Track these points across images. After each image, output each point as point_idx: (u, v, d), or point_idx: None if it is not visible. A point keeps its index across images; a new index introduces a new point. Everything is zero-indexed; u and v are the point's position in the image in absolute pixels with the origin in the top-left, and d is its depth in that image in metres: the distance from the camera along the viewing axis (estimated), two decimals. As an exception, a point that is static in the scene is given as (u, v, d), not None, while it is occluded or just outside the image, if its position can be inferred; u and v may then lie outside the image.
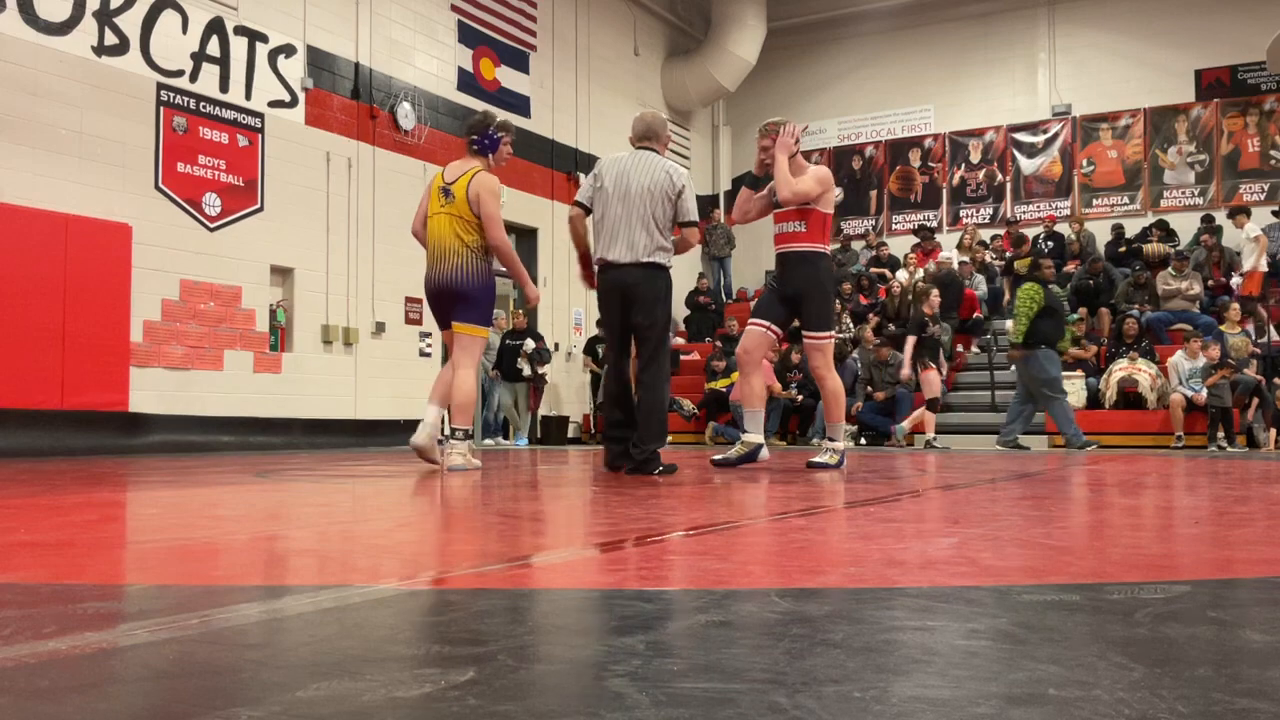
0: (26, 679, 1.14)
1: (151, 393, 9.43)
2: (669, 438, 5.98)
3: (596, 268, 5.57)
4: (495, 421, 13.12)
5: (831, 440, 5.91)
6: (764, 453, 5.89)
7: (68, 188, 8.90)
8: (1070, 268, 14.81)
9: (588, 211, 5.57)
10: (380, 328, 11.86)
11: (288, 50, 10.94)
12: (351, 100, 11.68)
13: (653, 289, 5.41)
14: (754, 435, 5.83)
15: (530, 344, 13.04)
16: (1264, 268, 13.37)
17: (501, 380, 12.99)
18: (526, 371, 12.91)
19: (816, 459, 5.89)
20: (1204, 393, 11.34)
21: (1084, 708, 0.99)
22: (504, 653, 1.24)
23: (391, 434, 11.67)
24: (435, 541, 2.65)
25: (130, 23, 9.49)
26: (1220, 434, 11.08)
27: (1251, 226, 13.55)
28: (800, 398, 13.31)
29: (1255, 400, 11.48)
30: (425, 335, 12.40)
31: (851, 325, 14.54)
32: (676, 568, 2.12)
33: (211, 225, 10.10)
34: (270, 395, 10.55)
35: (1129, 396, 12.08)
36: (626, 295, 5.44)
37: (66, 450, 8.34)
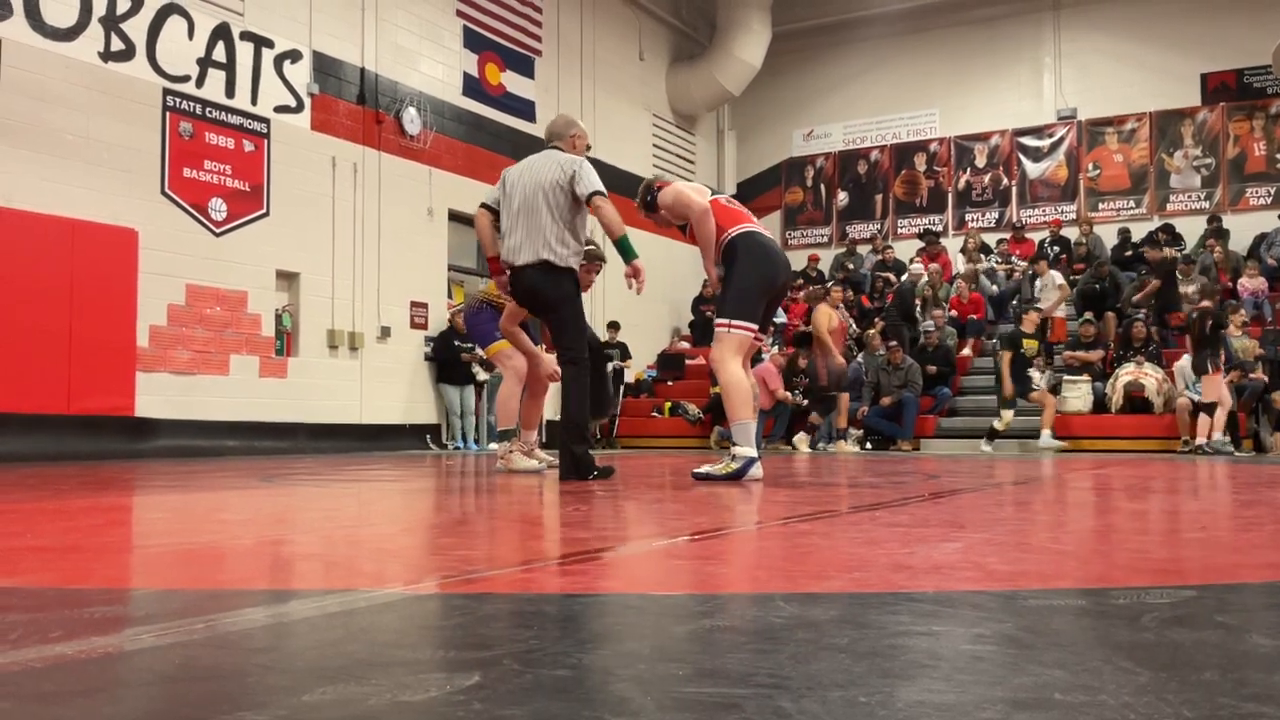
0: (33, 683, 1.14)
1: (157, 397, 9.45)
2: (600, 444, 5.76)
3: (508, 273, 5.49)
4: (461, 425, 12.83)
5: (735, 445, 5.08)
6: (757, 469, 5.05)
7: (74, 193, 8.92)
8: (1077, 270, 14.81)
9: (494, 214, 5.53)
10: (386, 332, 11.87)
11: (294, 56, 10.97)
12: (357, 105, 11.70)
13: (557, 290, 5.28)
14: (746, 449, 5.06)
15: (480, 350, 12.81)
16: (1060, 313, 13.87)
17: (448, 384, 12.60)
18: (481, 376, 12.66)
19: (701, 469, 5.14)
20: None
21: (1090, 713, 0.99)
22: (509, 657, 1.24)
23: (397, 439, 11.69)
24: (440, 546, 2.65)
25: (136, 28, 9.52)
26: (1224, 435, 11.03)
27: (1054, 275, 13.97)
28: (806, 402, 13.29)
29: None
30: (430, 340, 12.41)
31: (857, 329, 14.53)
32: (681, 572, 2.12)
33: (217, 230, 10.13)
34: (276, 400, 10.56)
35: (1135, 401, 12.05)
36: (535, 298, 5.41)
37: (72, 455, 8.36)
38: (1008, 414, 11.77)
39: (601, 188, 5.25)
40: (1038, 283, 14.14)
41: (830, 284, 13.31)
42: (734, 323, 5.09)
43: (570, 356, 5.29)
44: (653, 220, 5.60)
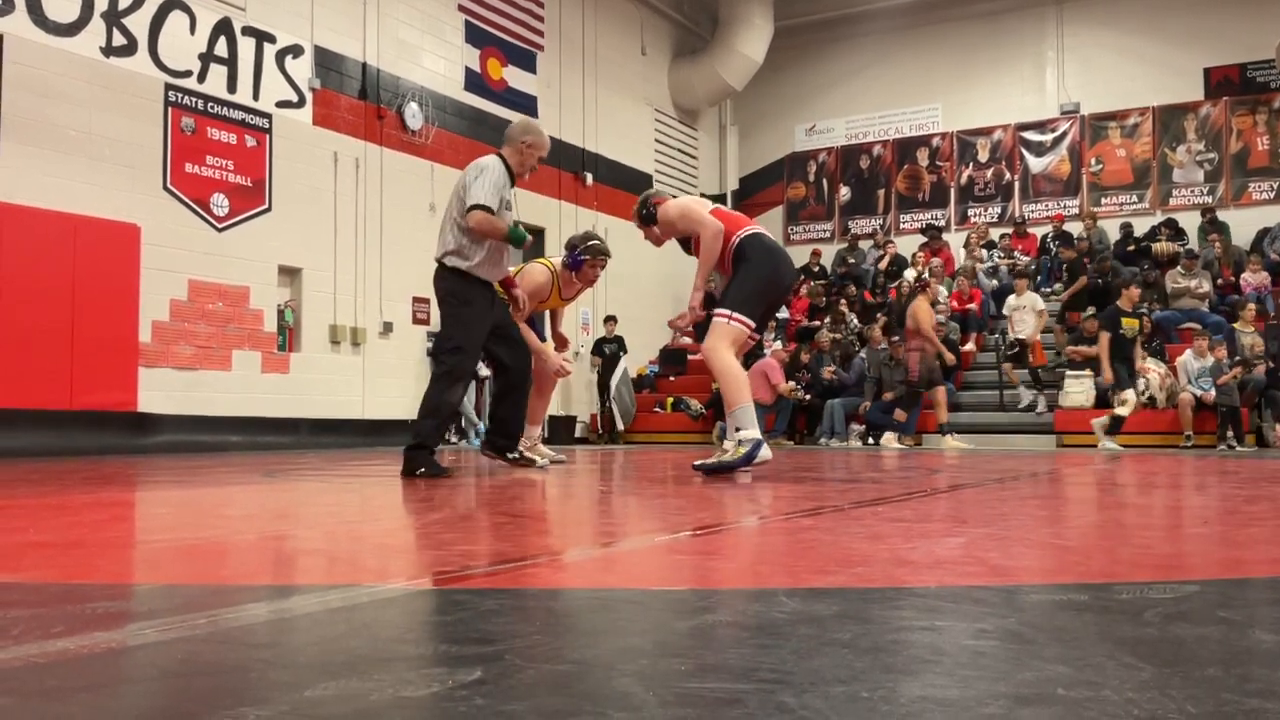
0: (35, 678, 1.14)
1: (160, 393, 9.45)
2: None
3: None
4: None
5: (739, 429, 4.97)
6: (765, 451, 4.96)
7: (76, 188, 8.92)
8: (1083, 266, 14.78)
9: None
10: (388, 328, 11.87)
11: (295, 51, 10.96)
12: (359, 100, 11.69)
13: (441, 287, 5.33)
14: (750, 431, 4.97)
15: None
16: (1038, 336, 13.22)
17: None
18: (484, 372, 12.61)
19: (702, 461, 5.12)
20: (1213, 392, 11.31)
21: (1093, 708, 0.99)
22: (511, 653, 1.24)
23: (399, 434, 11.66)
24: (442, 541, 2.65)
25: (138, 24, 9.51)
26: (1229, 433, 11.04)
27: (1033, 297, 13.44)
28: (808, 396, 13.30)
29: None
30: (433, 335, 12.41)
31: (859, 323, 14.53)
32: (684, 567, 2.12)
33: (219, 225, 10.13)
34: (278, 395, 10.57)
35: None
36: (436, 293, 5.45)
37: (75, 450, 8.36)
38: (1129, 395, 10.80)
39: (483, 200, 5.13)
40: (1010, 300, 13.64)
41: (927, 277, 13.04)
42: (734, 315, 5.08)
43: (440, 359, 5.44)
44: (646, 232, 5.55)
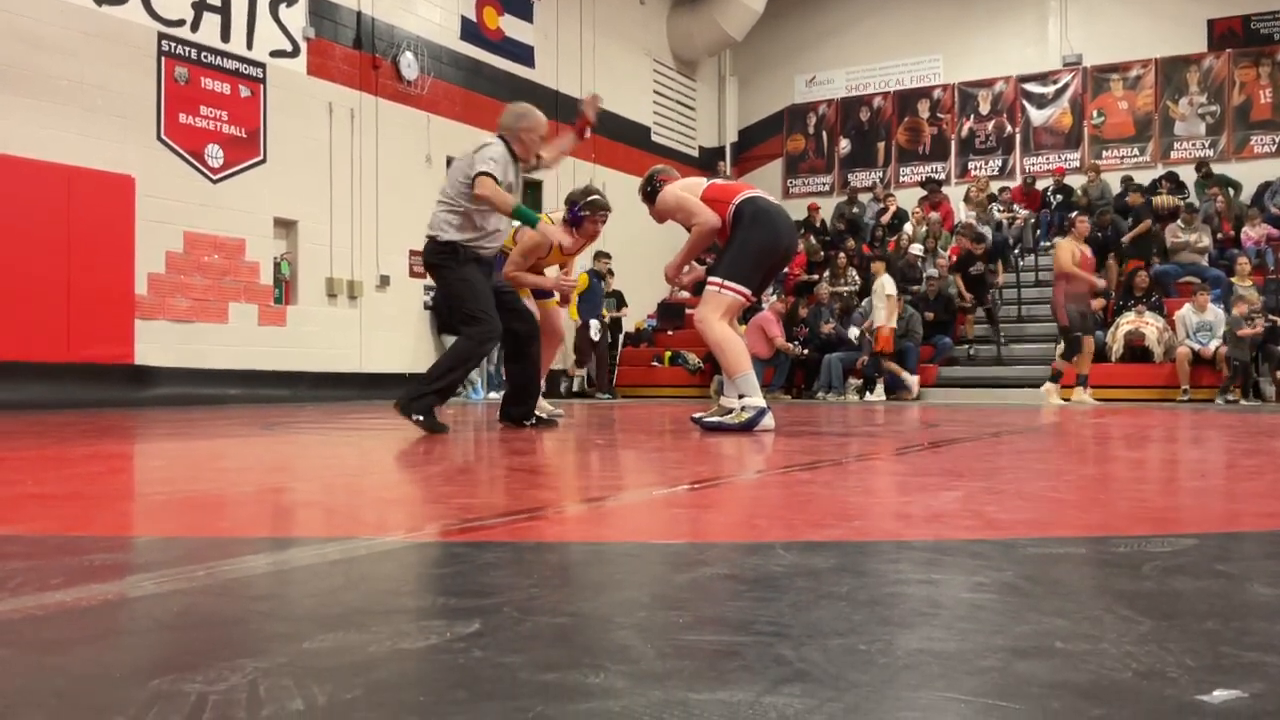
0: (34, 630, 1.14)
1: (157, 345, 9.43)
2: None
3: None
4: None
5: (741, 396, 5.00)
6: (768, 419, 4.94)
7: (70, 139, 8.84)
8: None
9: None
10: (385, 281, 11.83)
11: (289, -1, 10.82)
12: (354, 50, 11.56)
13: (432, 260, 5.22)
14: (754, 399, 4.98)
15: None
16: (893, 324, 12.51)
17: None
18: None
19: (704, 416, 5.16)
20: (1211, 346, 11.32)
21: (1091, 661, 0.99)
22: (509, 605, 1.24)
23: (397, 387, 11.64)
24: (440, 494, 2.65)
25: (130, -29, 9.38)
26: (1236, 387, 11.02)
27: (886, 280, 12.65)
28: (805, 351, 13.29)
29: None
30: (430, 289, 12.37)
31: (857, 278, 14.49)
32: (681, 521, 2.12)
33: (214, 177, 10.05)
34: (275, 348, 10.55)
35: (1135, 350, 12.05)
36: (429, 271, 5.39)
37: (73, 403, 8.36)
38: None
39: (490, 170, 4.94)
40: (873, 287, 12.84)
41: (1075, 214, 11.75)
42: (726, 283, 5.02)
43: (455, 328, 5.36)
44: (650, 209, 5.48)
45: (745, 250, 5.05)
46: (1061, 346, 10.93)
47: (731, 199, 5.16)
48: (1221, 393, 11.15)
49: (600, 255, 14.22)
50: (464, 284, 5.08)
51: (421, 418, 4.84)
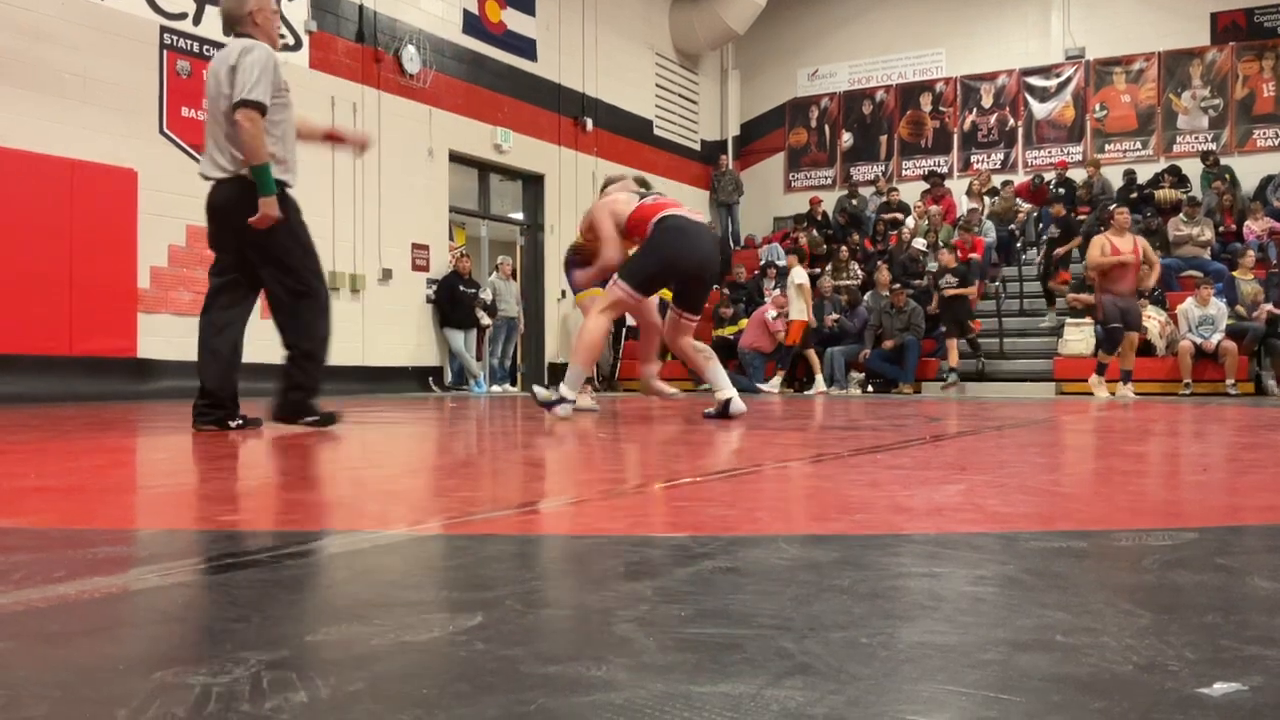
0: (37, 623, 1.15)
1: (159, 339, 9.44)
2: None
3: None
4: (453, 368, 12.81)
5: (561, 384, 5.53)
6: (563, 410, 5.43)
7: (72, 133, 8.84)
8: (1082, 214, 14.67)
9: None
10: (387, 274, 11.82)
11: (291, -8, 10.80)
12: (356, 44, 11.55)
13: (243, 209, 4.31)
14: (569, 391, 5.51)
15: (488, 293, 12.72)
16: (806, 317, 12.61)
17: (453, 328, 12.55)
18: (485, 321, 12.62)
19: (540, 391, 5.83)
20: (1214, 339, 11.31)
21: (1092, 654, 0.99)
22: (512, 598, 1.25)
23: (399, 381, 11.69)
24: (443, 487, 2.65)
25: (131, -36, 9.37)
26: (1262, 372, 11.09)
27: (798, 271, 12.76)
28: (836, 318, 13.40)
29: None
30: (432, 283, 12.37)
31: (860, 272, 14.47)
32: (683, 514, 2.12)
33: (217, 171, 10.03)
34: (277, 342, 10.52)
35: (1138, 343, 12.03)
36: (221, 222, 4.47)
37: (75, 396, 8.38)
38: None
39: (256, 97, 4.33)
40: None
41: (1114, 206, 11.62)
42: (619, 281, 5.48)
43: (300, 287, 4.55)
44: None
45: (646, 259, 5.50)
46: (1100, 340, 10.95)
47: (652, 217, 5.56)
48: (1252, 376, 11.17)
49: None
50: (303, 236, 4.56)
51: (315, 419, 4.60)
